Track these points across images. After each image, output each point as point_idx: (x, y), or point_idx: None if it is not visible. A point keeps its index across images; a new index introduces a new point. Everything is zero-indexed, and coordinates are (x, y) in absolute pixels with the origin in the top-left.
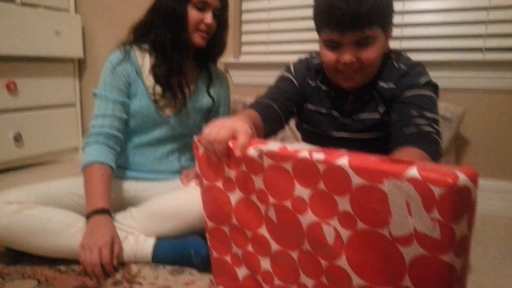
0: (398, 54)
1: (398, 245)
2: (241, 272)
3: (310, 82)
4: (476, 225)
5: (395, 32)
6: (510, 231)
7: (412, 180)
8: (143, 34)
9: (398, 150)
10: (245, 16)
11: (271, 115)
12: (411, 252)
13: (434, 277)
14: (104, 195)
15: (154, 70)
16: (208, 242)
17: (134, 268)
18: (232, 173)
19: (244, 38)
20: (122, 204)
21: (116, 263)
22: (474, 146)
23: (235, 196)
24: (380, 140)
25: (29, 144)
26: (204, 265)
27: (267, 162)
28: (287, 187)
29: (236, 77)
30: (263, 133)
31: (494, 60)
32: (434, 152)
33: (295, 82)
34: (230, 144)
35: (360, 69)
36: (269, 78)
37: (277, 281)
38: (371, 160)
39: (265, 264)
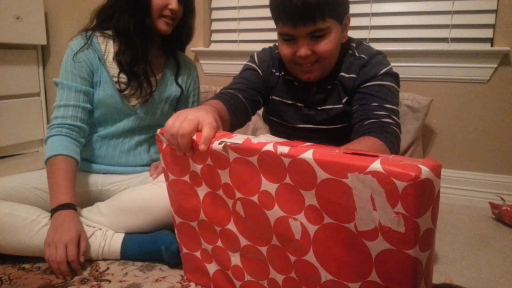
0: (359, 43)
1: (364, 239)
2: (212, 267)
3: (274, 71)
4: (442, 215)
5: (364, 21)
6: (476, 221)
7: (375, 174)
8: (105, 19)
9: (357, 139)
10: (214, 3)
11: (237, 105)
12: (376, 246)
13: (400, 271)
14: (69, 189)
15: (118, 57)
16: (177, 237)
17: (102, 265)
18: (197, 167)
19: (214, 26)
20: (89, 198)
21: (83, 260)
22: (440, 136)
23: (202, 191)
24: (345, 131)
25: (1, 134)
26: (175, 261)
27: (232, 155)
28: (253, 181)
29: (207, 65)
30: (229, 124)
31: (460, 50)
32: (392, 143)
33: (259, 71)
34: (194, 137)
35: (317, 62)
36: (240, 67)
37: (247, 277)
38: (335, 153)
39: (235, 259)
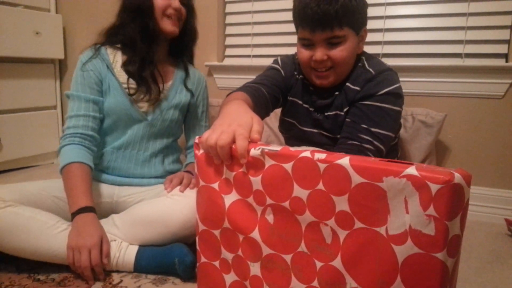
0: (371, 57)
1: (392, 244)
2: (229, 278)
3: (295, 74)
4: None
5: (377, 37)
6: (491, 238)
7: (410, 177)
8: (112, 34)
9: None
10: (228, 19)
11: (260, 98)
12: (404, 251)
13: (426, 276)
14: (87, 193)
15: (126, 66)
16: (198, 246)
17: (115, 278)
18: (231, 174)
19: (228, 41)
20: (104, 209)
21: (107, 262)
22: (455, 152)
23: (230, 198)
24: None
25: (9, 148)
26: (188, 274)
27: (268, 162)
28: (285, 188)
29: (220, 80)
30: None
31: (473, 66)
32: None
33: (282, 72)
34: (234, 146)
35: (332, 68)
36: None
37: (266, 287)
38: (371, 160)
39: (255, 269)
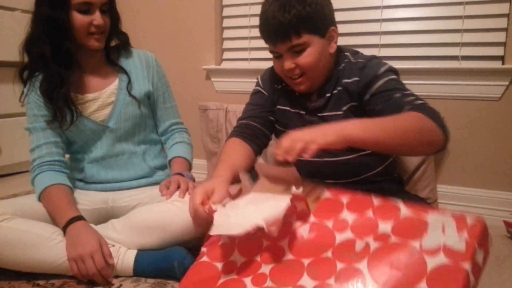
0: (354, 52)
1: (424, 255)
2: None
3: (276, 86)
4: None
5: (374, 40)
6: (492, 239)
7: (452, 214)
8: (31, 49)
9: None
10: (226, 22)
11: (254, 133)
12: (435, 261)
13: (451, 282)
14: (71, 206)
15: (40, 87)
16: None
17: (115, 282)
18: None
19: (226, 44)
20: (101, 215)
21: (112, 262)
22: (453, 154)
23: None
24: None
25: (8, 152)
26: None
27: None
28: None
29: (218, 83)
30: (253, 154)
31: (470, 68)
32: (434, 115)
33: (264, 92)
34: None
35: (303, 74)
36: (251, 84)
37: (269, 282)
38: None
39: (265, 269)
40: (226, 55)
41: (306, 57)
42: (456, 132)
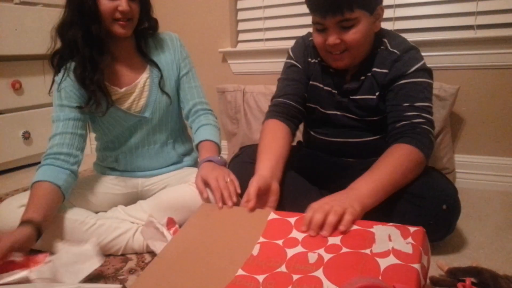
0: (393, 37)
1: (376, 257)
2: None
3: (310, 60)
4: (473, 201)
5: (388, 13)
6: (505, 206)
7: (394, 225)
8: (64, 33)
9: (390, 147)
10: (240, 4)
11: (291, 113)
12: (386, 261)
13: (405, 277)
14: (36, 209)
15: (74, 72)
16: None
17: (147, 257)
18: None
19: (240, 26)
20: (132, 198)
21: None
22: (470, 123)
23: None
24: (375, 124)
25: (38, 141)
26: None
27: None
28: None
29: (234, 65)
30: (293, 132)
31: (486, 37)
32: (423, 144)
33: (298, 65)
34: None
35: (346, 50)
36: (267, 64)
37: None
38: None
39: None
40: (241, 36)
41: (355, 34)
42: (473, 101)
